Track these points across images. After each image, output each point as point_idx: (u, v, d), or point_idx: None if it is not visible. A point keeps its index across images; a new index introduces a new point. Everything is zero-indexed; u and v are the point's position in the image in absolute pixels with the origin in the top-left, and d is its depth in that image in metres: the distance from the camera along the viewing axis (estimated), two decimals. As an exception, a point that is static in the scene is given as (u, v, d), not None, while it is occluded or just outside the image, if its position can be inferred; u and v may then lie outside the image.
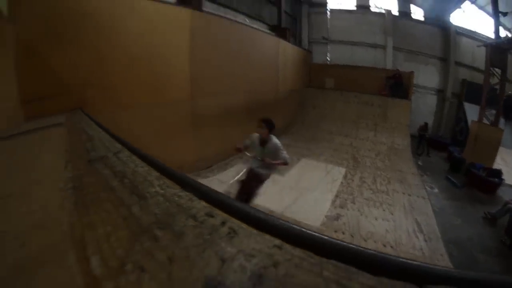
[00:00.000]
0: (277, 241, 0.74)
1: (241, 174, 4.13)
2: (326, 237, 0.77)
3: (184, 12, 6.15)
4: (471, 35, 14.82)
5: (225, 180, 6.45)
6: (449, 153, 11.41)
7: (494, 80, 10.75)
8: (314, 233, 0.78)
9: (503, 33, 12.22)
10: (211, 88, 6.87)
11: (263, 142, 4.01)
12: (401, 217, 6.25)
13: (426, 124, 12.38)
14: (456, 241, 5.96)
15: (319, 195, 6.61)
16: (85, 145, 1.79)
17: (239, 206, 0.90)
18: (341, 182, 7.40)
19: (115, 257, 0.74)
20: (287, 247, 0.72)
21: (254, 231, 0.78)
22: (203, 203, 0.92)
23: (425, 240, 5.56)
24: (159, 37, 5.42)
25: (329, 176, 7.66)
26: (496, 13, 10.97)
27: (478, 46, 12.30)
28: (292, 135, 11.10)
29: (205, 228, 0.80)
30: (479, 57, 12.58)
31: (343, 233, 5.36)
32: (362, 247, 0.73)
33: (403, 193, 7.37)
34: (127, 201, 0.98)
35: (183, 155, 6.34)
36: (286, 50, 11.38)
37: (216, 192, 1.00)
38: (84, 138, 2.10)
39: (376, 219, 6.05)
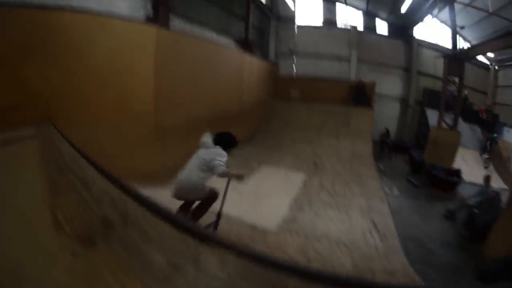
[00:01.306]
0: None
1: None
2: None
3: (151, 30, 6.57)
4: (433, 47, 15.89)
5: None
6: (410, 156, 11.85)
7: (453, 88, 11.55)
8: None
9: (462, 43, 13.25)
10: (175, 101, 7.20)
11: None
12: (357, 218, 6.35)
13: (387, 130, 12.97)
14: (415, 238, 6.12)
15: (277, 200, 6.63)
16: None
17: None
18: (300, 187, 7.48)
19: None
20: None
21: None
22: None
23: (381, 239, 5.64)
24: (126, 53, 5.73)
25: (289, 182, 7.73)
26: (455, 27, 11.83)
27: (436, 57, 13.27)
28: (256, 143, 11.21)
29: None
30: (440, 67, 13.22)
31: (298, 234, 5.36)
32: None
33: (361, 195, 7.52)
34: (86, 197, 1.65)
35: (148, 165, 6.47)
36: (251, 63, 11.82)
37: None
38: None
39: (331, 220, 6.09)
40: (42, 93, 4.42)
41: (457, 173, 9.45)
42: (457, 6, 12.26)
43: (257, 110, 12.57)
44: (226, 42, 11.29)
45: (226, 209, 5.60)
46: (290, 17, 17.16)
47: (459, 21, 12.57)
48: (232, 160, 8.67)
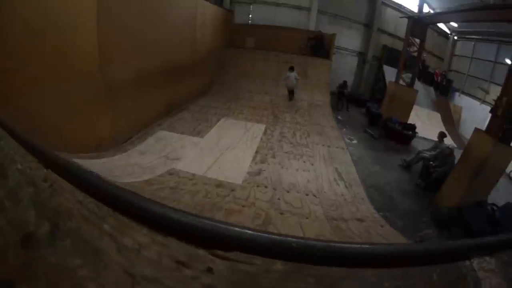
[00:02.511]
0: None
1: None
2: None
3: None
4: (396, 7, 16.10)
5: (145, 150, 6.06)
6: (367, 109, 12.28)
7: (413, 49, 12.03)
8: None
9: (426, 9, 13.47)
10: (123, 55, 6.33)
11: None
12: (322, 167, 6.44)
13: (345, 82, 13.08)
14: (376, 185, 6.42)
15: (239, 152, 6.56)
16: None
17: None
18: (261, 138, 7.42)
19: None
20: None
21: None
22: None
23: (346, 187, 5.81)
24: (62, 4, 4.63)
25: (249, 134, 7.63)
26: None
27: (400, 17, 13.63)
28: (212, 96, 10.82)
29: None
30: (401, 28, 13.75)
31: (266, 187, 5.31)
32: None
33: (323, 145, 7.65)
34: None
35: (99, 131, 5.80)
36: (205, 9, 11.03)
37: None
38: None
39: (297, 170, 6.13)
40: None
41: (413, 127, 9.94)
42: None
43: (211, 60, 12.02)
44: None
45: (188, 168, 5.56)
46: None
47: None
48: (189, 115, 8.49)
